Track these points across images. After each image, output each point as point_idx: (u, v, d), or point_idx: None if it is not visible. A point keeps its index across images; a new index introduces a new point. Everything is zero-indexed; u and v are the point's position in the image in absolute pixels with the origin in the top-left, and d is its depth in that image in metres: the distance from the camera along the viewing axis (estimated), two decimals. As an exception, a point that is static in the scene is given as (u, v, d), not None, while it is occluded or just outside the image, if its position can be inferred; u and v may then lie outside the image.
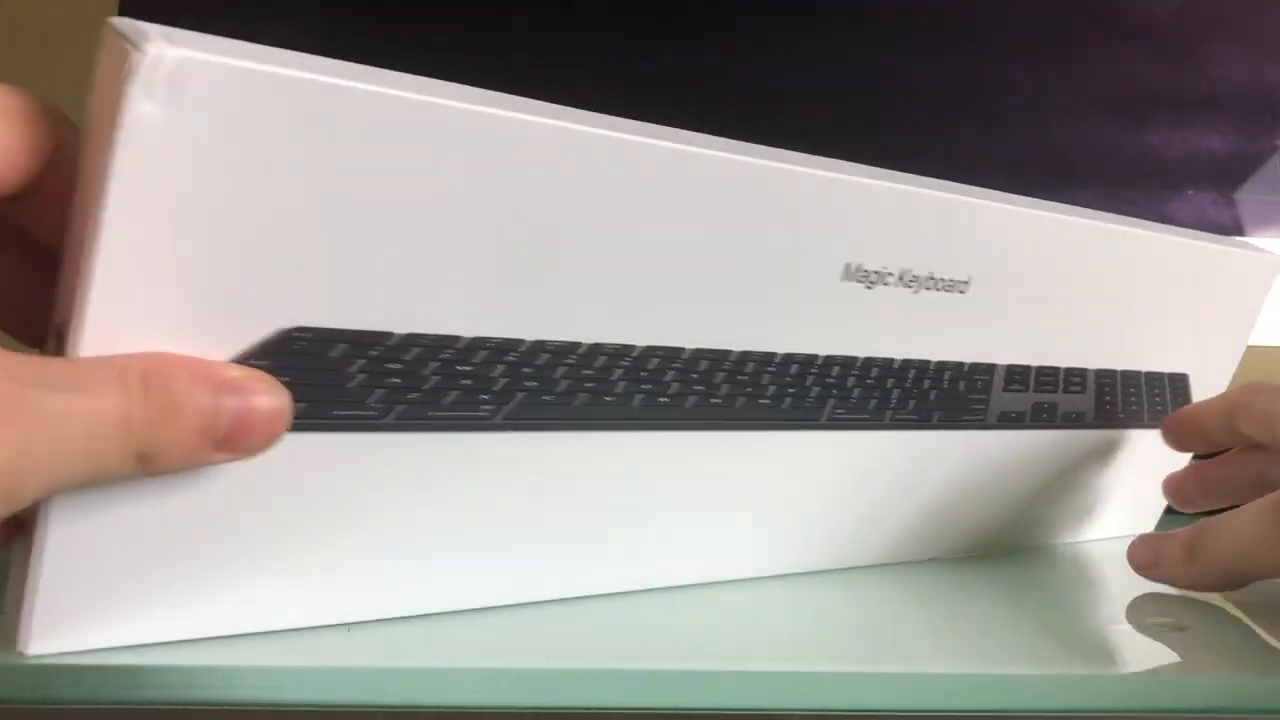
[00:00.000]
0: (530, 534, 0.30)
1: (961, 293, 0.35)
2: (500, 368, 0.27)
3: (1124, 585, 0.40)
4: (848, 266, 0.32)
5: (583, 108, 0.26)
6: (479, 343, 0.26)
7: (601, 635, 0.29)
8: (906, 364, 0.35)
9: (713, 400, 0.31)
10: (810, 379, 0.33)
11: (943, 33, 0.54)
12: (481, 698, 0.25)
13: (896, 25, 0.54)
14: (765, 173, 0.29)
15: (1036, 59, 0.55)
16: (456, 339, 0.26)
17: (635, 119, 0.27)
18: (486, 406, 0.27)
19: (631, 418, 0.30)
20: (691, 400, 0.31)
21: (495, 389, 0.27)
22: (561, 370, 0.28)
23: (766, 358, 0.32)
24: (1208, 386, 0.46)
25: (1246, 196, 0.57)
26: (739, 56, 0.52)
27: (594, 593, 0.32)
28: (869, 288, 0.33)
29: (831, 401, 0.34)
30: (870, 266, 0.33)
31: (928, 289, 0.34)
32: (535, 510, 0.29)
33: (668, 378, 0.30)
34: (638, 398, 0.30)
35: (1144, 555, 0.37)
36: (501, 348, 0.27)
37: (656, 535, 0.32)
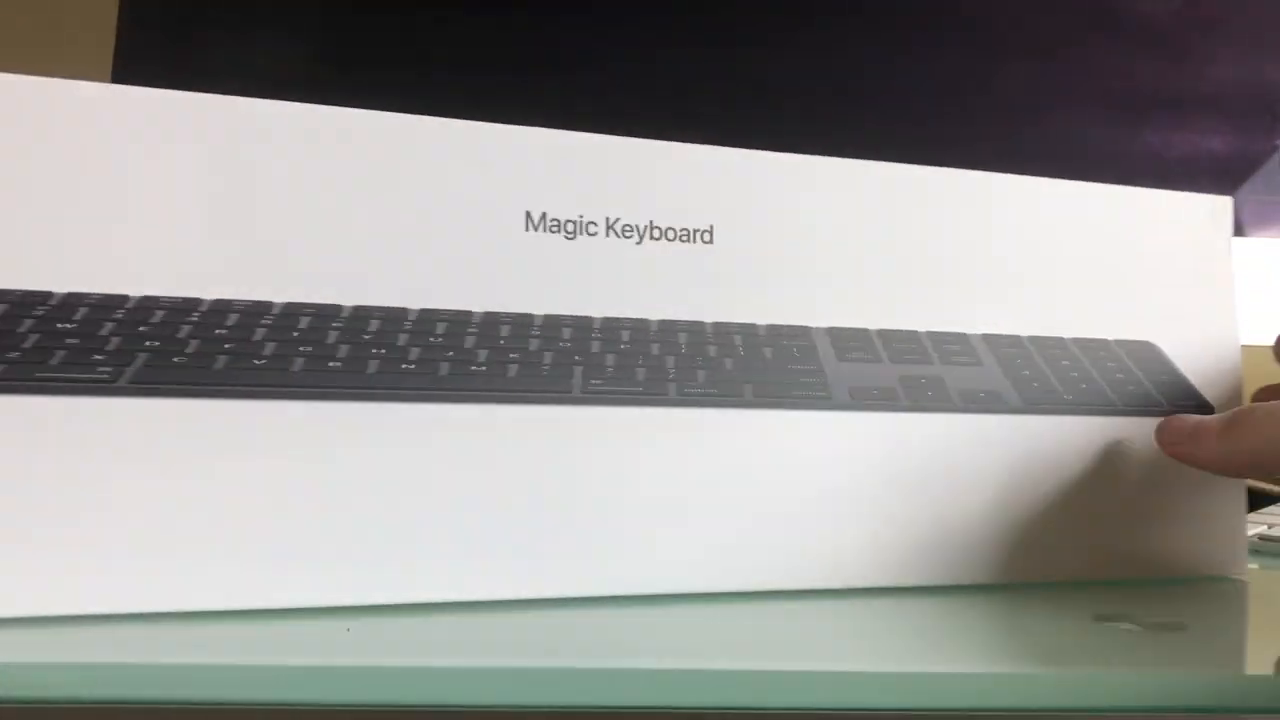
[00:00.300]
0: (186, 517, 0.27)
1: (707, 243, 0.33)
2: (108, 325, 0.27)
3: (1123, 583, 0.35)
4: (529, 215, 0.31)
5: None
6: (75, 299, 0.27)
7: (600, 634, 0.28)
8: (669, 325, 0.32)
9: (403, 366, 0.29)
10: (535, 342, 0.31)
11: (942, 32, 0.55)
12: (482, 697, 0.23)
13: (895, 24, 0.56)
14: (402, 125, 0.30)
15: (1036, 59, 0.56)
16: (49, 295, 0.27)
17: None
18: (104, 368, 0.27)
19: (295, 385, 0.28)
20: (374, 365, 0.29)
21: (109, 349, 0.27)
22: (186, 329, 0.28)
23: (461, 316, 0.30)
24: (1198, 357, 0.38)
25: (1246, 196, 0.53)
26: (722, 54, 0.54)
27: (279, 606, 0.27)
28: (569, 238, 0.31)
29: (580, 370, 0.31)
30: (560, 215, 0.31)
31: (654, 239, 0.32)
32: (189, 487, 0.27)
33: (331, 339, 0.29)
34: (298, 361, 0.29)
35: (1176, 430, 0.34)
36: (104, 304, 0.27)
37: (347, 532, 0.28)
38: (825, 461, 0.32)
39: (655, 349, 0.32)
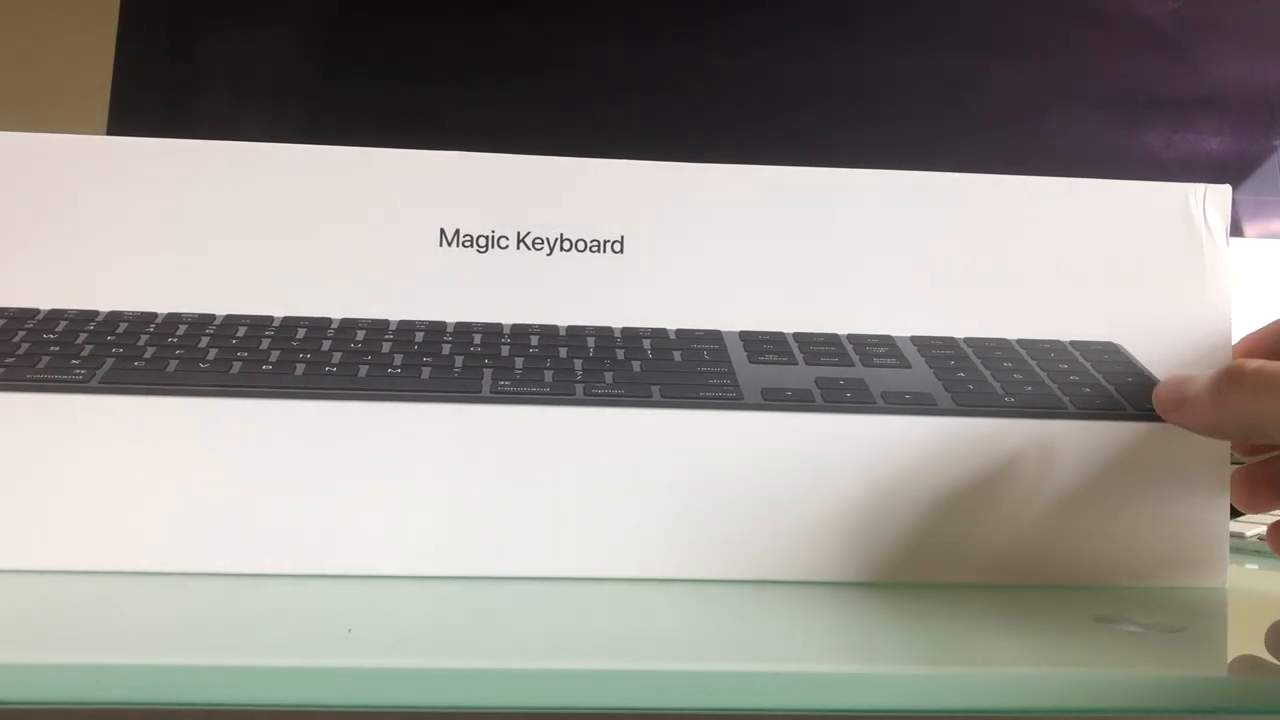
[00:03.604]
0: (141, 489, 0.32)
1: (617, 252, 0.35)
2: (82, 335, 0.33)
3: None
4: (443, 232, 0.35)
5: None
6: (56, 314, 0.33)
7: (599, 633, 0.29)
8: (577, 330, 0.35)
9: (327, 369, 0.34)
10: (447, 346, 0.34)
11: (941, 32, 0.56)
12: (482, 698, 0.24)
13: (895, 24, 0.57)
14: (327, 155, 0.35)
15: (1036, 58, 0.56)
16: (36, 311, 0.33)
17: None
18: (79, 371, 0.33)
19: (233, 384, 0.33)
20: (300, 368, 0.34)
21: (83, 355, 0.33)
22: (145, 338, 0.33)
23: (379, 325, 0.34)
24: (1176, 358, 0.36)
25: (1246, 196, 0.51)
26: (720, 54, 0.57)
27: (219, 571, 0.32)
28: (481, 252, 0.35)
29: (489, 372, 0.34)
30: (473, 231, 0.35)
31: (564, 250, 0.35)
32: (144, 466, 0.33)
33: (263, 346, 0.34)
34: (236, 365, 0.34)
35: (1170, 395, 0.34)
36: (79, 319, 0.33)
37: (285, 516, 0.32)
38: (735, 460, 0.34)
39: (563, 352, 0.34)
